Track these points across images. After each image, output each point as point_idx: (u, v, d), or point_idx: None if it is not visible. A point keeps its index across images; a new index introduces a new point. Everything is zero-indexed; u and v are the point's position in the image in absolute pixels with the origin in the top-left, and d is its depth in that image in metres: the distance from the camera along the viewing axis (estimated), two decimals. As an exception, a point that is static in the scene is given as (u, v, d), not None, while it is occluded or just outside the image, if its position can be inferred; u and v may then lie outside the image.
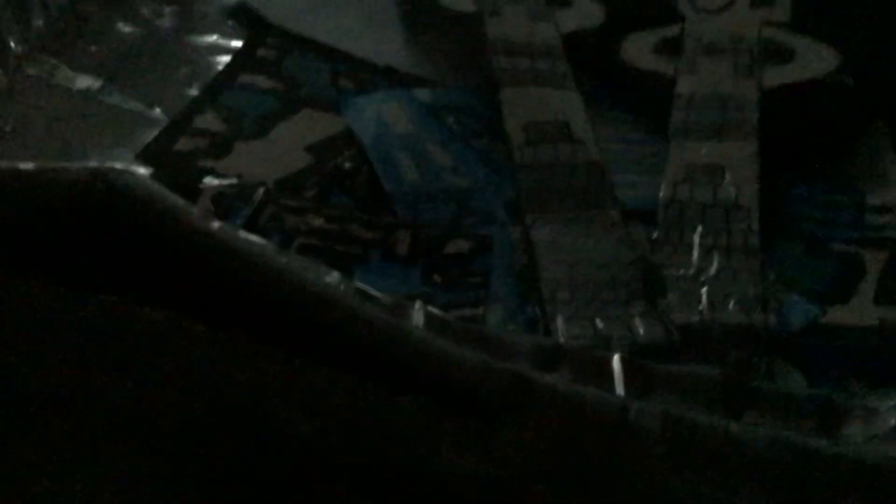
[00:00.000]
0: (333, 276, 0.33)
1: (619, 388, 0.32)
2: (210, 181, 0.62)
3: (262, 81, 0.71)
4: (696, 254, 0.59)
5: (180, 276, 0.32)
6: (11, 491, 0.38)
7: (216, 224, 0.33)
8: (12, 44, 0.67)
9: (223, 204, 0.60)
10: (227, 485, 0.37)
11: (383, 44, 0.75)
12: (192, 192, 0.60)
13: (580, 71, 0.71)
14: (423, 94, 0.71)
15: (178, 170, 0.63)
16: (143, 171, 0.32)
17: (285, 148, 0.66)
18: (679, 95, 0.69)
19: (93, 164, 0.32)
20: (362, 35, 0.76)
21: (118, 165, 0.33)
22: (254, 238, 0.33)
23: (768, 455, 0.30)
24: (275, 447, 0.36)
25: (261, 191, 0.61)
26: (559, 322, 0.55)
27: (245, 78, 0.71)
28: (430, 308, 0.34)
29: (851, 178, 0.65)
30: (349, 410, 0.34)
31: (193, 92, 0.69)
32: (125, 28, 0.73)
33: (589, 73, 0.71)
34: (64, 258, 0.32)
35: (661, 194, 0.63)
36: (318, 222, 0.59)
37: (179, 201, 0.32)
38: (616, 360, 0.32)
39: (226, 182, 0.62)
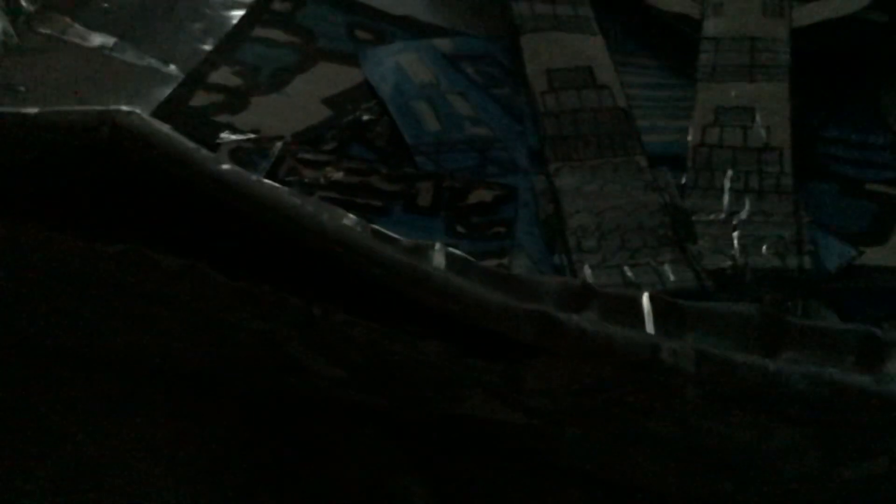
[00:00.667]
0: (350, 219, 0.31)
1: (650, 327, 0.31)
2: (227, 136, 0.61)
3: (278, 35, 0.69)
4: (726, 198, 0.58)
5: (193, 219, 0.31)
6: (38, 445, 0.37)
7: (226, 164, 0.31)
8: (23, 2, 0.65)
9: (241, 159, 0.59)
10: (251, 433, 0.36)
11: (402, -6, 0.74)
12: (209, 147, 0.59)
13: (604, 15, 0.69)
14: (442, 43, 0.69)
15: (194, 125, 0.62)
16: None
17: (302, 101, 0.65)
18: (706, 37, 0.67)
19: (99, 107, 0.31)
20: (380, -15, 0.74)
21: (123, 108, 0.31)
22: (267, 181, 0.32)
23: (808, 393, 0.29)
24: (305, 394, 0.35)
25: (278, 145, 0.60)
26: (586, 270, 0.53)
27: (260, 31, 0.69)
28: (450, 249, 0.32)
29: (884, 119, 0.63)
30: (372, 357, 0.33)
31: (208, 47, 0.68)
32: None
33: (613, 16, 0.70)
34: (73, 204, 0.31)
35: (690, 138, 0.61)
36: (337, 175, 0.58)
37: (188, 142, 0.31)
38: (646, 299, 0.31)
39: (243, 137, 0.61)
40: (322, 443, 0.37)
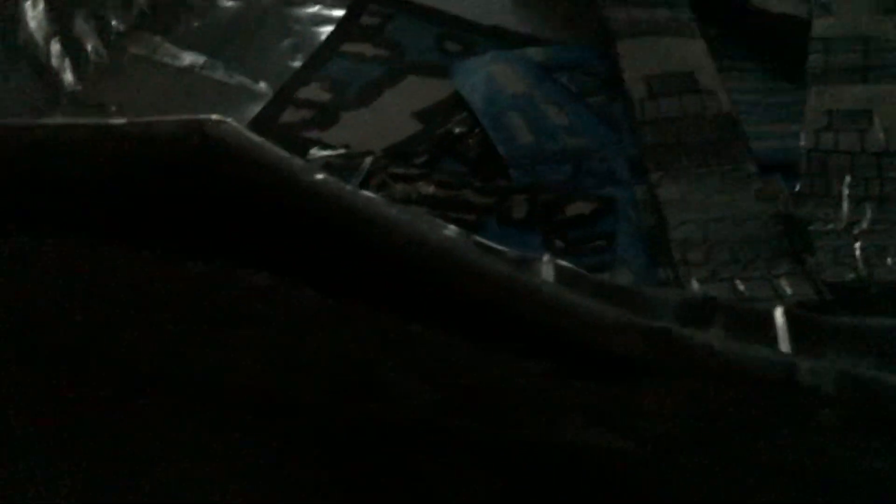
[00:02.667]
0: (451, 230, 0.29)
1: (785, 345, 0.28)
2: (317, 152, 0.59)
3: (367, 49, 0.68)
4: (845, 206, 0.54)
5: (284, 233, 0.29)
6: (121, 466, 0.36)
7: (321, 174, 0.30)
8: (114, 22, 0.66)
9: (331, 174, 0.58)
10: (339, 458, 0.34)
11: (490, 3, 0.72)
12: (298, 163, 0.58)
13: (704, 18, 0.66)
14: (534, 52, 0.67)
15: (284, 142, 0.60)
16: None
17: (392, 115, 0.63)
18: (816, 38, 0.63)
19: (187, 116, 0.29)
20: (473, -3, 0.72)
21: (213, 117, 0.30)
22: (363, 191, 0.30)
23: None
24: (391, 419, 0.33)
25: (368, 160, 0.58)
26: (693, 285, 0.50)
27: (349, 47, 0.68)
28: (560, 261, 0.30)
29: None
30: (471, 378, 0.31)
31: (297, 64, 0.67)
32: (226, 3, 0.71)
33: (713, 19, 0.66)
34: (156, 221, 0.30)
35: (802, 143, 0.57)
36: (429, 190, 0.56)
37: (281, 151, 0.30)
38: (779, 313, 0.28)
39: (333, 153, 0.60)
40: (413, 472, 0.35)
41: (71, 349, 0.36)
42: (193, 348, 0.32)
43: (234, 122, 0.30)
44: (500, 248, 0.30)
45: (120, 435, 0.36)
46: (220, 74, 0.66)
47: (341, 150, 0.60)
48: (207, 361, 0.32)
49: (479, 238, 0.30)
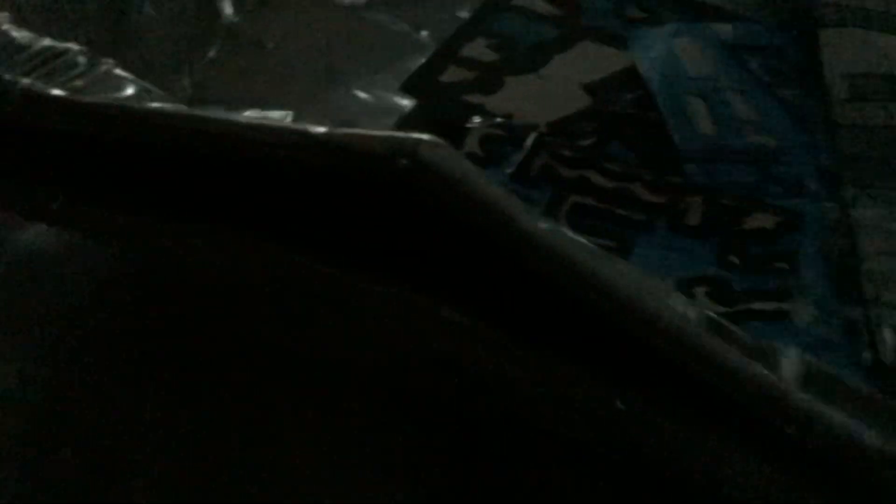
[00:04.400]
0: (679, 300, 0.25)
1: None
2: (477, 121, 0.55)
3: (540, 5, 0.63)
4: None
5: (489, 276, 0.26)
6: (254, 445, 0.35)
7: (542, 223, 0.26)
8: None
9: (491, 147, 0.54)
10: (471, 456, 0.32)
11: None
12: (458, 131, 0.54)
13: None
14: (723, 29, 0.61)
15: (443, 104, 0.57)
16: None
17: (561, 85, 0.58)
18: None
19: (399, 133, 0.26)
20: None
21: (427, 138, 0.26)
22: (584, 242, 0.26)
23: None
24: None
25: (533, 135, 0.54)
26: (886, 333, 0.45)
27: (520, 0, 0.63)
28: (810, 359, 0.25)
29: None
30: (664, 453, 0.27)
31: (464, 14, 0.62)
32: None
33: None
34: (354, 238, 0.27)
35: None
36: (597, 178, 0.52)
37: (499, 191, 0.26)
38: None
39: (495, 123, 0.55)
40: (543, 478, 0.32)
41: (211, 336, 0.35)
42: (378, 380, 0.29)
43: (450, 148, 0.27)
44: (736, 330, 0.26)
45: (247, 418, 0.34)
46: (382, 18, 0.62)
47: (503, 121, 0.56)
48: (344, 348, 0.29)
49: (713, 316, 0.26)
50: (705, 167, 0.53)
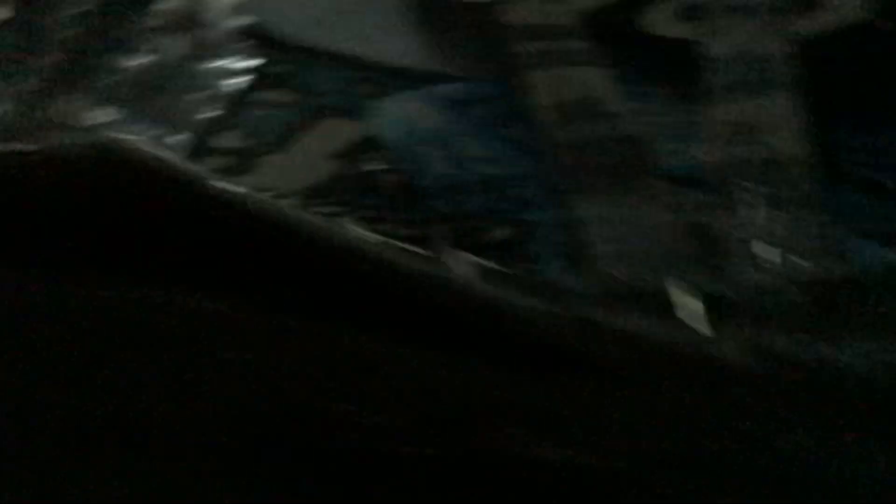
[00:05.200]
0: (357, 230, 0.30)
1: (706, 329, 0.29)
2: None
3: (281, 96, 0.69)
4: (747, 212, 0.56)
5: (180, 240, 0.29)
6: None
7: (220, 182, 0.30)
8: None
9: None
10: (299, 491, 0.34)
11: (401, 45, 0.73)
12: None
13: (604, 47, 0.69)
14: (447, 88, 0.69)
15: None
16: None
17: (309, 158, 0.64)
18: (709, 58, 0.66)
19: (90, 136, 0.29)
20: (378, 40, 0.74)
21: (109, 133, 0.30)
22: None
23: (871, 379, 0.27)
24: (341, 446, 0.33)
25: (286, 202, 0.59)
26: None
27: (262, 95, 0.69)
28: (472, 256, 0.30)
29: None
30: (410, 389, 0.31)
31: (212, 115, 0.67)
32: (137, 60, 0.71)
33: (613, 48, 0.69)
34: (69, 245, 0.30)
35: (702, 157, 0.60)
36: (351, 225, 0.57)
37: (188, 165, 0.30)
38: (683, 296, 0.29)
39: (253, 198, 0.60)
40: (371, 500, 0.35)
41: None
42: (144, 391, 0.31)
43: (128, 137, 0.31)
44: (410, 247, 0.31)
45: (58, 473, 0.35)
46: (135, 128, 0.66)
47: (261, 195, 0.60)
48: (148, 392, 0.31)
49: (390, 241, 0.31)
50: (447, 200, 0.60)
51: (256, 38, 0.73)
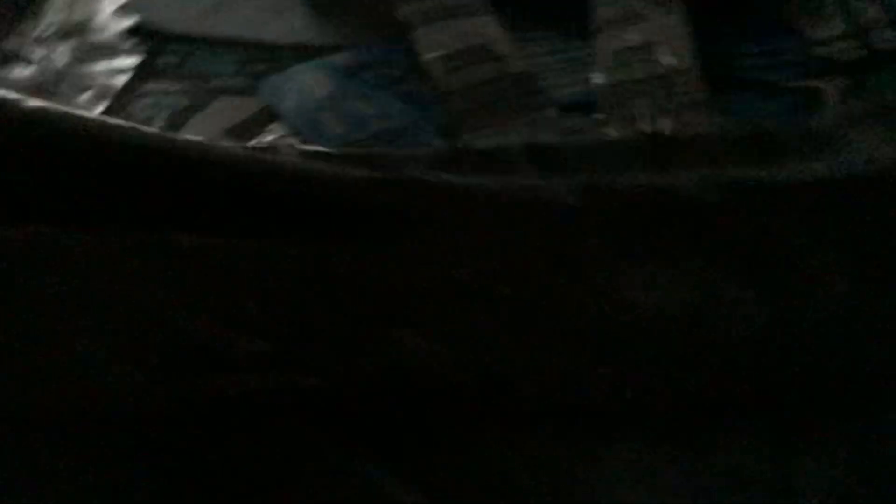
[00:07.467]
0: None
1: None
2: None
3: (169, 85, 0.68)
4: (643, 125, 0.56)
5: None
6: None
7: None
8: None
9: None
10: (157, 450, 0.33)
11: (292, 25, 0.73)
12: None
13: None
14: (337, 58, 0.68)
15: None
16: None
17: (203, 136, 0.63)
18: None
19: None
20: (267, 24, 0.73)
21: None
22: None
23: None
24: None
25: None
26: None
27: (150, 86, 0.68)
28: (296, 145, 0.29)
29: (790, 21, 0.62)
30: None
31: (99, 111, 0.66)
32: (20, 71, 0.70)
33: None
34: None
35: (597, 81, 0.60)
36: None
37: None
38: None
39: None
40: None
41: None
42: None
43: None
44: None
45: None
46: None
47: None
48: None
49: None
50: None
51: (142, 35, 0.73)
